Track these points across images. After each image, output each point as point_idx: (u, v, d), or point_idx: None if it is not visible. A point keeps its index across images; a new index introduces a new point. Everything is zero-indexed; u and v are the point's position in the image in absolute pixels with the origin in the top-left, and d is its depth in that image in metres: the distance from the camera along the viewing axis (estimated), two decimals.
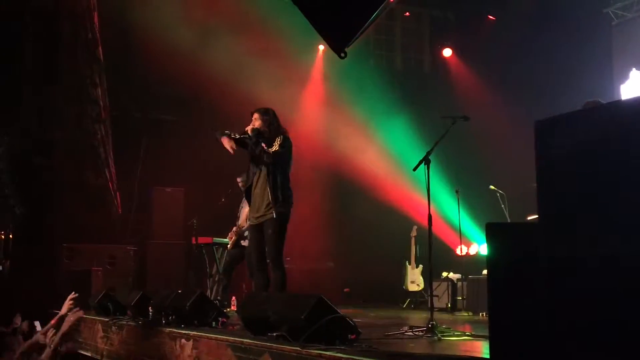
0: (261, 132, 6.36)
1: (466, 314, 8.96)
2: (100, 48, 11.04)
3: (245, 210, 8.73)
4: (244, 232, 8.64)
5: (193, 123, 12.54)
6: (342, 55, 2.69)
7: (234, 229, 8.96)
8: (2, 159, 9.64)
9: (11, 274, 9.83)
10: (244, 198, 8.92)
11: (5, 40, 10.39)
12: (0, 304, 5.98)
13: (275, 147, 6.28)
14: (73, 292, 5.56)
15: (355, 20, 2.66)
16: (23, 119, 10.43)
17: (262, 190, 6.33)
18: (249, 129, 6.34)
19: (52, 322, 5.34)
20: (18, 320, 5.55)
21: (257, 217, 6.36)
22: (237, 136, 6.37)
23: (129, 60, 11.71)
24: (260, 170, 6.36)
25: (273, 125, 6.43)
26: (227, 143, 6.37)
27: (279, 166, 6.33)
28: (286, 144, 6.35)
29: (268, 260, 6.22)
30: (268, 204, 6.24)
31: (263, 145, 6.27)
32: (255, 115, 6.45)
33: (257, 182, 6.41)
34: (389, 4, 3.01)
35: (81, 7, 10.89)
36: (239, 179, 8.73)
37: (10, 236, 10.14)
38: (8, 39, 10.42)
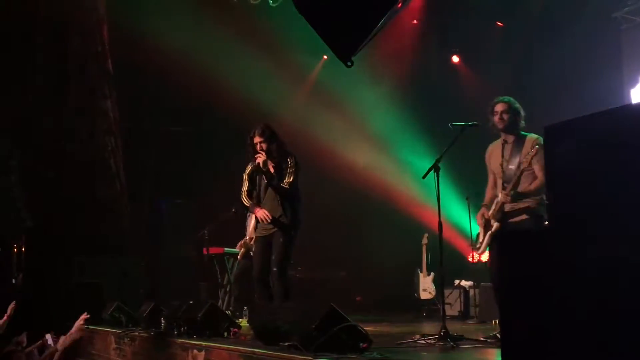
0: (271, 155, 6.37)
1: (478, 322, 8.91)
2: (109, 60, 11.09)
3: (252, 222, 8.75)
4: (252, 242, 8.62)
5: (203, 134, 12.58)
6: (349, 64, 2.68)
7: (242, 242, 8.96)
8: (13, 172, 9.68)
9: (23, 286, 9.86)
10: None
11: (15, 54, 10.46)
12: (14, 316, 6.00)
13: (289, 175, 6.30)
14: (85, 313, 5.54)
15: (361, 29, 2.67)
16: (34, 132, 10.48)
17: (270, 204, 6.36)
18: (260, 161, 6.34)
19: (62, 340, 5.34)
20: (23, 339, 5.53)
21: (267, 229, 6.39)
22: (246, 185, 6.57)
23: (138, 72, 11.77)
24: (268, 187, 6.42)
25: (275, 140, 6.42)
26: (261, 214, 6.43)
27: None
28: (297, 167, 6.38)
29: (275, 269, 6.23)
30: (278, 217, 6.28)
31: (278, 183, 6.32)
32: (258, 139, 6.41)
33: (265, 195, 6.44)
34: (396, 12, 3.01)
35: (90, 20, 10.94)
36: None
37: (23, 249, 10.18)
38: (18, 52, 10.48)
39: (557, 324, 2.22)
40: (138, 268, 10.02)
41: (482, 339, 5.46)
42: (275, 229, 6.31)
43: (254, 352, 4.55)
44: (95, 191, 10.61)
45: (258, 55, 11.79)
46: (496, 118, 5.81)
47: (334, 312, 4.25)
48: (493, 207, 5.82)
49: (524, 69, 12.03)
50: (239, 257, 9.00)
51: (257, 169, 6.42)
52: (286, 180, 6.30)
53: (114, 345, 7.11)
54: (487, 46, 13.10)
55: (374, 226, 12.82)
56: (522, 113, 5.83)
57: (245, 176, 6.61)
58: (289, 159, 6.39)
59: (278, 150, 6.40)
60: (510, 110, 5.78)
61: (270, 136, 6.41)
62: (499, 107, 5.81)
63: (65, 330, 5.40)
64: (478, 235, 6.04)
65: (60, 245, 9.99)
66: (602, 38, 11.26)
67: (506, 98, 5.86)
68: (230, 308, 8.82)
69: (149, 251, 11.08)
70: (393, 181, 12.58)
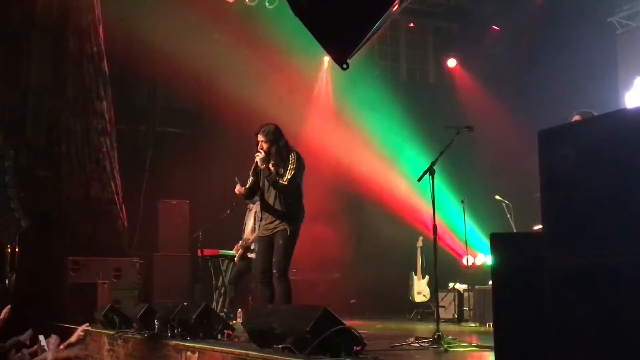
0: (269, 158, 6.27)
1: (473, 325, 8.93)
2: (105, 61, 11.07)
3: (249, 223, 8.74)
4: (250, 244, 8.62)
5: (198, 136, 12.58)
6: (345, 66, 2.68)
7: (240, 242, 8.96)
8: (8, 173, 9.65)
9: (17, 287, 9.83)
10: (247, 212, 8.94)
11: (11, 54, 10.44)
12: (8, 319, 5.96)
13: (290, 172, 6.18)
14: (86, 324, 5.44)
15: (357, 32, 2.66)
16: (29, 133, 10.46)
17: (272, 203, 6.32)
18: (258, 160, 6.26)
19: (62, 347, 5.27)
20: (26, 338, 5.46)
21: (268, 229, 6.33)
22: (250, 180, 6.48)
23: (134, 73, 11.75)
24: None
25: (279, 142, 6.32)
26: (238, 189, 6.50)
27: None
28: (298, 164, 6.26)
29: (274, 271, 6.19)
30: (279, 217, 6.24)
31: (276, 178, 6.19)
32: (260, 138, 6.31)
33: (267, 195, 6.39)
34: (392, 15, 3.01)
35: (87, 21, 10.92)
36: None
37: (16, 249, 10.14)
38: (14, 52, 10.46)
39: (552, 327, 2.22)
40: (132, 269, 10.00)
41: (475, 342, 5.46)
42: (277, 230, 6.26)
43: (247, 355, 4.54)
44: (90, 192, 10.58)
45: (254, 57, 11.79)
46: None
47: (328, 315, 4.24)
48: None
49: (519, 74, 12.06)
50: (236, 259, 8.99)
51: (256, 166, 6.39)
52: (285, 176, 6.20)
53: (107, 347, 7.09)
54: (483, 50, 13.14)
55: (369, 228, 12.82)
56: None
57: (250, 173, 6.56)
58: (290, 156, 6.26)
59: (278, 153, 6.28)
60: None
61: (273, 139, 6.29)
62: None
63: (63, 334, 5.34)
64: None
65: (54, 246, 9.97)
66: (597, 43, 11.30)
67: (583, 110, 5.66)
68: (224, 310, 8.81)
69: (144, 252, 11.05)
70: (388, 184, 12.59)
